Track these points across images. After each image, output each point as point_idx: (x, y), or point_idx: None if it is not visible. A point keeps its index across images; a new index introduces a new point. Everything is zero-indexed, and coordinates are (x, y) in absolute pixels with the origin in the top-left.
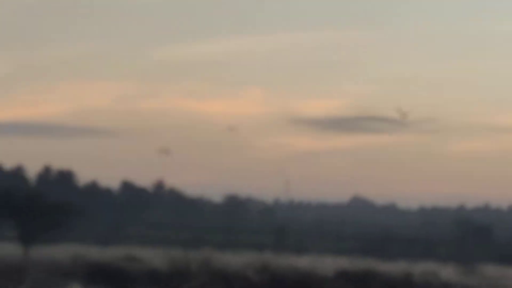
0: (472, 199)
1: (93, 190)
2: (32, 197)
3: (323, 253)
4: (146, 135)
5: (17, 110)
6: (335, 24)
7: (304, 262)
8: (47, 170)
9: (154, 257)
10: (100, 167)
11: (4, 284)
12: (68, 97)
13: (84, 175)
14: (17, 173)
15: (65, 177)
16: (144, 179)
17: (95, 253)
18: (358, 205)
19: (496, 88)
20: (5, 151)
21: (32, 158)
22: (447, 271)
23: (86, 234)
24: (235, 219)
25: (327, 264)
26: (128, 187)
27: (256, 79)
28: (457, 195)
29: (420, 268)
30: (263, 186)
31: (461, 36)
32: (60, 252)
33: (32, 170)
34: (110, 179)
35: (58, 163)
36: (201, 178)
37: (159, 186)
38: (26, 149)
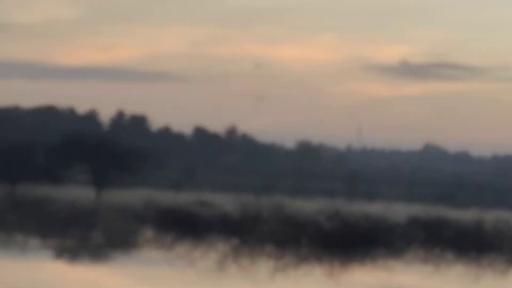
0: None
1: (166, 135)
2: (104, 142)
3: (395, 200)
4: (219, 81)
5: (90, 55)
6: None
7: (376, 209)
8: (120, 115)
9: (226, 202)
10: (173, 112)
11: (76, 227)
12: (142, 42)
13: (157, 120)
14: (90, 118)
15: (138, 122)
16: (216, 125)
17: (167, 198)
18: (431, 152)
19: None
20: (79, 96)
21: (105, 103)
22: None
23: (158, 179)
24: (307, 165)
25: (399, 211)
26: (200, 133)
27: (329, 25)
28: None
29: (492, 216)
30: (336, 133)
31: None
32: (132, 197)
33: (105, 114)
34: (183, 124)
35: (131, 108)
36: (274, 124)
37: (232, 131)
38: (99, 94)
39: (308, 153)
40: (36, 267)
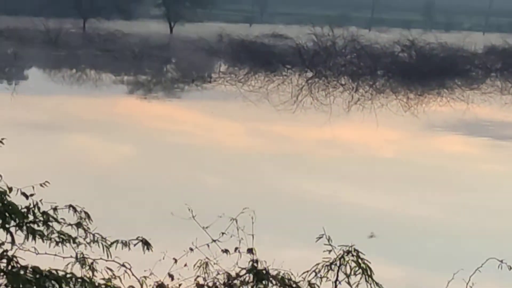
0: None
1: None
2: None
3: (472, 29)
4: None
5: None
6: None
7: (452, 38)
8: None
9: (300, 34)
10: None
11: (150, 62)
12: None
13: None
14: None
15: None
16: None
17: (240, 31)
18: None
19: None
20: None
21: None
22: None
23: (231, 12)
24: None
25: (476, 40)
26: None
27: None
28: None
29: None
30: None
31: None
32: (205, 30)
33: None
34: None
35: None
36: None
37: None
38: None
39: None
40: (110, 102)
